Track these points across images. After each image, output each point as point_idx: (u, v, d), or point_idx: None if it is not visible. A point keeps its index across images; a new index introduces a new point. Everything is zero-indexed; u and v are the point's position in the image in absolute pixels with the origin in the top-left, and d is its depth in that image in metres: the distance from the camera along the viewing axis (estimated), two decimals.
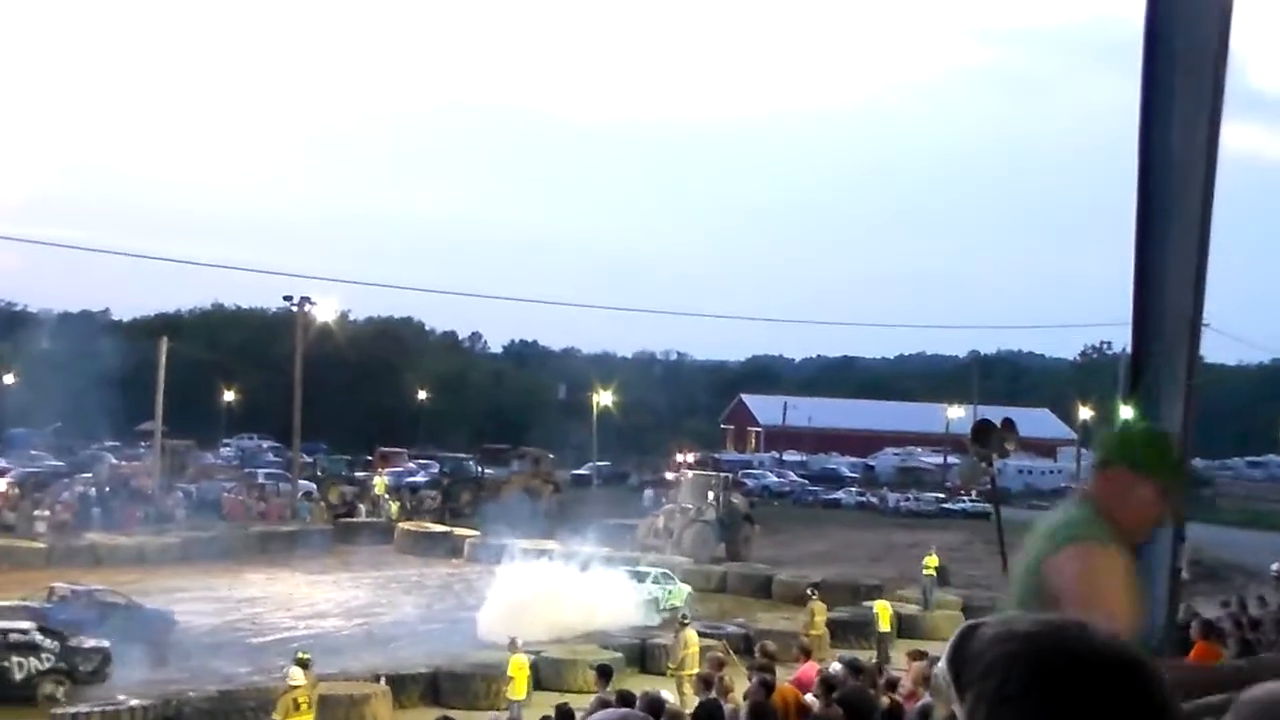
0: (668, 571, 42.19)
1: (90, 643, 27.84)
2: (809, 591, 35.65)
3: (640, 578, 40.30)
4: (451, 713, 22.46)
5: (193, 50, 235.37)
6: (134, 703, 24.77)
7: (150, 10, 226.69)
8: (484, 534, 50.19)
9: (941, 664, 1.60)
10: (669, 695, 15.86)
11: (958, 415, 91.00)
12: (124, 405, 75.31)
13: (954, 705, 1.56)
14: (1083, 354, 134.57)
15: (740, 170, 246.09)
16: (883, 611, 35.06)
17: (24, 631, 27.02)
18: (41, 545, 47.79)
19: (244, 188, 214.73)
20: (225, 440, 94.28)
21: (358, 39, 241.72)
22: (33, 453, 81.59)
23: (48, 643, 27.01)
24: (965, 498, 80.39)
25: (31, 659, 26.56)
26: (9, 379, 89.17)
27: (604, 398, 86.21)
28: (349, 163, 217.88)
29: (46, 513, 53.04)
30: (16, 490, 57.74)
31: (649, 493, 70.04)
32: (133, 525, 53.92)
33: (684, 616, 30.57)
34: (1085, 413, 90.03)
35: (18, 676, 26.26)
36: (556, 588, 36.24)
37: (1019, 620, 1.58)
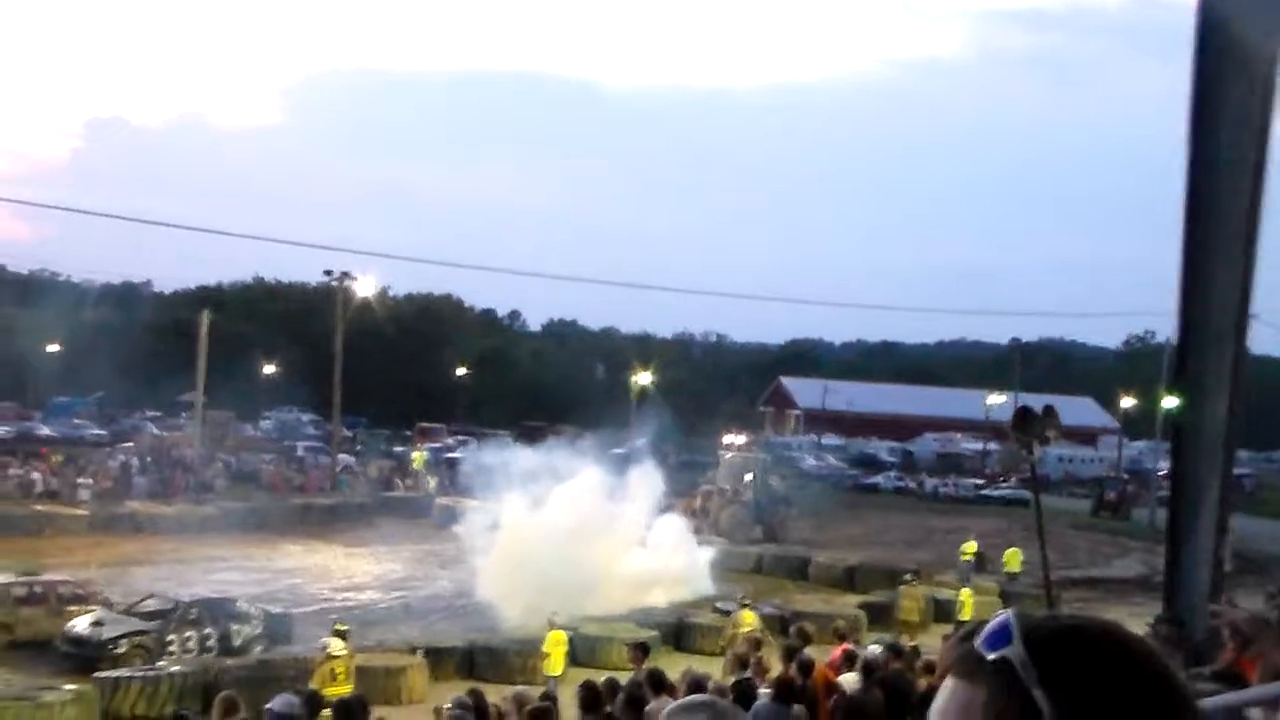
0: None
1: (277, 609, 31.98)
2: (906, 577, 35.94)
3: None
4: (484, 685, 22.52)
5: (236, 24, 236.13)
6: (173, 670, 25.09)
7: None
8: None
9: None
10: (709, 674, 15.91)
11: (998, 402, 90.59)
12: (165, 376, 75.87)
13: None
14: (1126, 343, 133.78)
15: (783, 151, 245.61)
16: (967, 600, 34.95)
17: (238, 604, 30.74)
18: (83, 512, 48.27)
19: (286, 162, 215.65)
20: (265, 413, 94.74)
21: (399, 13, 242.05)
22: (75, 421, 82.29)
23: (255, 611, 30.63)
24: (1004, 484, 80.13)
25: (246, 627, 29.75)
26: (52, 348, 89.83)
27: (643, 378, 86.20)
28: (390, 138, 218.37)
29: (89, 480, 53.54)
30: (60, 457, 58.35)
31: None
32: (173, 494, 54.34)
33: (743, 597, 30.59)
34: (1128, 402, 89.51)
35: (237, 642, 29.12)
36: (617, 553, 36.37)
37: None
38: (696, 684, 12.91)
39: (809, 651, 15.80)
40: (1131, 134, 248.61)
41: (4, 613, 30.10)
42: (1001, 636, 1.55)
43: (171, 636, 28.43)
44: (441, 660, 27.84)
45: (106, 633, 28.08)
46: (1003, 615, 1.60)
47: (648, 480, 41.22)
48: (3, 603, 30.39)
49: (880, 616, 34.91)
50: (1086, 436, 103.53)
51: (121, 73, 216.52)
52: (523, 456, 40.55)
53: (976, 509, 69.06)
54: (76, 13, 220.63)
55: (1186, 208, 5.17)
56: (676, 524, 41.56)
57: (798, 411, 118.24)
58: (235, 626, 29.44)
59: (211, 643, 28.74)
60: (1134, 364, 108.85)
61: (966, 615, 33.58)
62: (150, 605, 30.02)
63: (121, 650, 27.53)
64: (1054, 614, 1.62)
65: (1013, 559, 43.97)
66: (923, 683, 14.43)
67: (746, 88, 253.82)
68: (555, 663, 25.70)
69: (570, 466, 39.34)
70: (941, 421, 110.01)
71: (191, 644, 28.56)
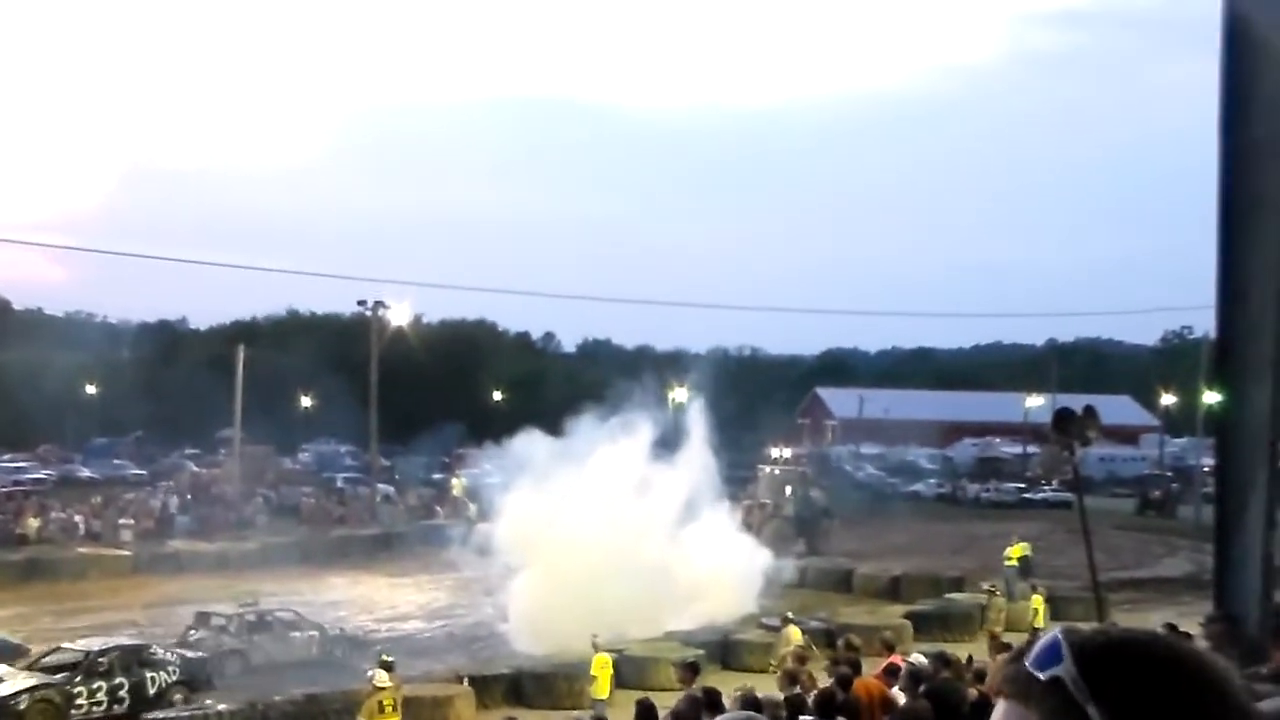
0: None
1: (193, 655, 30.12)
2: (988, 587, 36.05)
3: None
4: (526, 713, 22.46)
5: (262, 60, 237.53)
6: (221, 707, 25.11)
7: (221, 23, 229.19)
8: None
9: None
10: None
11: (1036, 404, 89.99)
12: (203, 412, 76.14)
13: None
14: (1163, 339, 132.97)
15: (810, 162, 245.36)
16: (1039, 606, 34.70)
17: (152, 650, 29.11)
18: (127, 553, 48.46)
19: (316, 196, 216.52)
20: (303, 445, 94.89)
21: (422, 40, 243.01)
22: (115, 461, 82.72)
23: (172, 657, 29.13)
24: (1046, 487, 79.64)
25: (162, 673, 28.27)
26: (90, 389, 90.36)
27: (679, 394, 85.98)
28: (419, 166, 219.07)
29: (131, 521, 53.76)
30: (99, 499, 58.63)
31: None
32: (214, 532, 54.46)
33: (787, 614, 30.39)
34: (1167, 399, 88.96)
35: (152, 691, 27.68)
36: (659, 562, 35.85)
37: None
38: (747, 701, 12.78)
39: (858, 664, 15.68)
40: (1162, 128, 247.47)
41: (241, 641, 31.32)
42: (1052, 655, 1.54)
43: (80, 689, 26.81)
44: (488, 688, 27.78)
45: (5, 689, 26.16)
46: (1052, 634, 1.59)
47: (694, 467, 40.87)
48: (239, 631, 31.65)
49: (928, 625, 34.72)
50: (1127, 435, 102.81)
51: (152, 117, 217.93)
52: (544, 455, 40.16)
53: (1019, 513, 68.62)
54: (107, 59, 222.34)
55: (1221, 198, 5.08)
56: (724, 522, 41.32)
57: (834, 422, 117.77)
58: (150, 674, 27.91)
59: (124, 693, 27.27)
60: (1172, 360, 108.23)
61: (1040, 623, 33.30)
62: (55, 658, 28.11)
63: (23, 706, 25.83)
64: (1102, 628, 1.61)
65: (1018, 552, 43.82)
66: (973, 692, 14.27)
67: (769, 105, 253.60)
68: (602, 686, 25.59)
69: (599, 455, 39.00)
70: (979, 426, 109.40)
71: (101, 695, 27.06)
